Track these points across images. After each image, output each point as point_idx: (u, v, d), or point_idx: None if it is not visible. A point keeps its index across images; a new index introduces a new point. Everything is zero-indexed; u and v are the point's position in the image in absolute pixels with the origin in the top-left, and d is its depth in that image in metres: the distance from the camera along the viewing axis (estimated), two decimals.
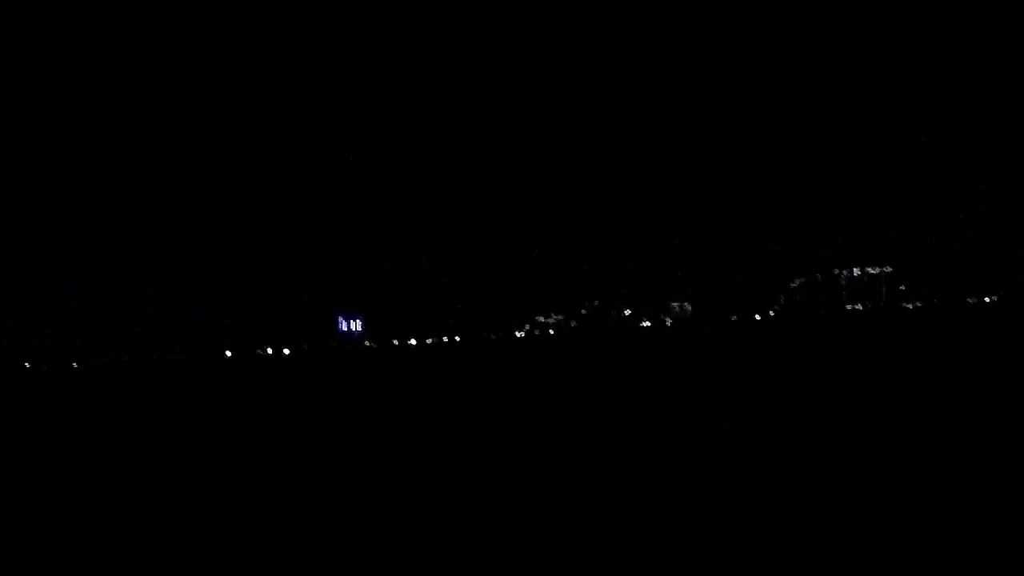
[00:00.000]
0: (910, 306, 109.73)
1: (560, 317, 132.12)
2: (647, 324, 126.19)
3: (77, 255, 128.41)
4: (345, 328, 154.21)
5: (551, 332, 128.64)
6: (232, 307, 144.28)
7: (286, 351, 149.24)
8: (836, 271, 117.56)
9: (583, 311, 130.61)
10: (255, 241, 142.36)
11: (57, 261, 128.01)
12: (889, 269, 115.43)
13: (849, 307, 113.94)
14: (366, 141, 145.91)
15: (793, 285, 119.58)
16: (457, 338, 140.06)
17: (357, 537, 7.72)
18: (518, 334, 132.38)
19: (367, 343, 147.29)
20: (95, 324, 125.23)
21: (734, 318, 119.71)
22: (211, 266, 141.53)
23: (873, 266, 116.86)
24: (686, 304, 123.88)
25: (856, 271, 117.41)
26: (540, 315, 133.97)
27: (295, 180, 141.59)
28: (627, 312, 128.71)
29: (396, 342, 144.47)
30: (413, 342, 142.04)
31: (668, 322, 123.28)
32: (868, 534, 6.62)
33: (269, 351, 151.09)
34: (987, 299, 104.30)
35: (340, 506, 9.23)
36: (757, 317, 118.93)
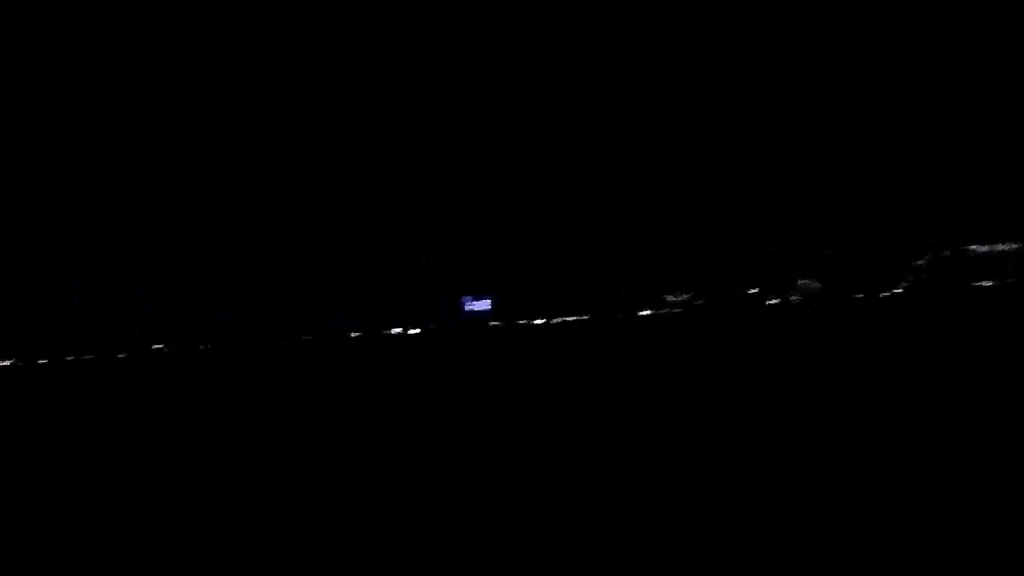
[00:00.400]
0: None
1: (687, 296, 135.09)
2: (774, 302, 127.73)
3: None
4: (472, 307, 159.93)
5: (678, 311, 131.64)
6: (354, 290, 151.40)
7: (414, 331, 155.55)
8: (963, 247, 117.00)
9: (708, 289, 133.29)
10: (384, 221, 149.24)
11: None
12: (1016, 245, 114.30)
13: (976, 284, 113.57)
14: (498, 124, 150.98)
15: (919, 263, 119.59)
16: (585, 317, 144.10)
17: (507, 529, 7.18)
18: (644, 313, 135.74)
19: (494, 323, 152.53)
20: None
21: (861, 295, 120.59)
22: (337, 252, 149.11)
23: (1002, 242, 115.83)
24: (814, 281, 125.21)
25: (984, 247, 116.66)
26: (667, 294, 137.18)
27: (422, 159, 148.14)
28: (753, 291, 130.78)
29: (524, 322, 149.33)
30: (541, 321, 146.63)
31: (795, 299, 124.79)
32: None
33: (396, 331, 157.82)
34: None
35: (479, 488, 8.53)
36: (884, 294, 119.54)
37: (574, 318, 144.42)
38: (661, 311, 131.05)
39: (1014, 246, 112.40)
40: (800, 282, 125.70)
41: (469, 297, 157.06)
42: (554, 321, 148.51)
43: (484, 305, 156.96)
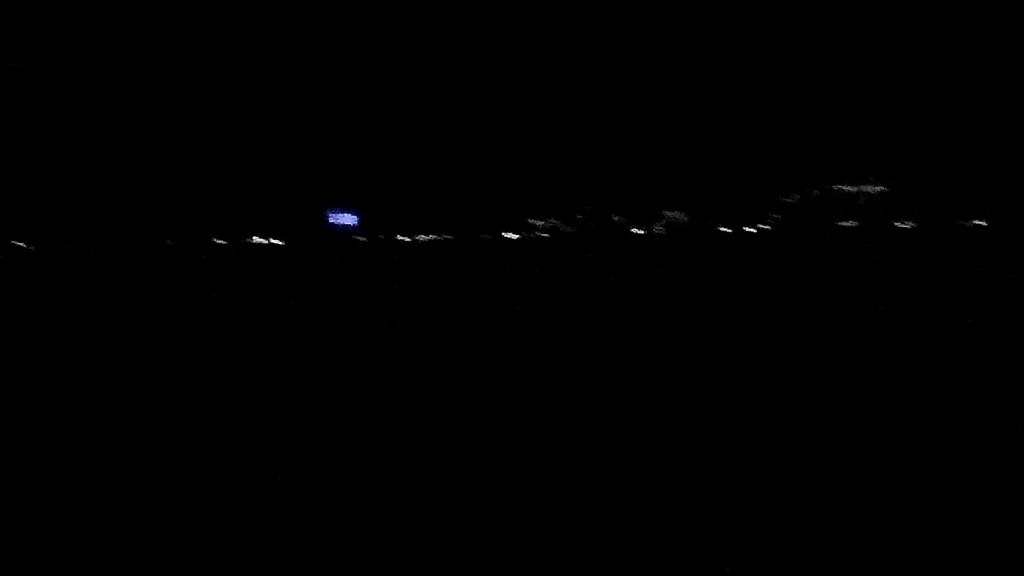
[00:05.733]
0: (903, 225, 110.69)
1: (555, 221, 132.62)
2: (640, 232, 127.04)
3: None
4: (337, 221, 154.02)
5: (546, 236, 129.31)
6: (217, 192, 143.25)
7: (278, 241, 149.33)
8: (830, 187, 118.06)
9: (578, 216, 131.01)
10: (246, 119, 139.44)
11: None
12: (882, 188, 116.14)
13: (840, 224, 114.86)
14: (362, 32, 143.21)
15: (788, 200, 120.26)
16: (449, 236, 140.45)
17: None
18: (511, 236, 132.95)
19: (359, 237, 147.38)
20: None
21: (728, 230, 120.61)
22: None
23: (866, 184, 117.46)
24: (681, 214, 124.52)
25: (850, 187, 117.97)
26: (535, 218, 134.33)
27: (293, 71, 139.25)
28: (617, 218, 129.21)
29: (388, 236, 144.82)
30: (406, 239, 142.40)
31: (660, 230, 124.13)
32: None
33: (256, 240, 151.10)
34: (979, 223, 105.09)
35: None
36: (751, 230, 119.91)
37: (439, 236, 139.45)
38: (528, 235, 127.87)
39: (880, 188, 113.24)
40: (668, 213, 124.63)
41: (335, 209, 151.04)
42: (419, 237, 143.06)
43: (350, 219, 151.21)
